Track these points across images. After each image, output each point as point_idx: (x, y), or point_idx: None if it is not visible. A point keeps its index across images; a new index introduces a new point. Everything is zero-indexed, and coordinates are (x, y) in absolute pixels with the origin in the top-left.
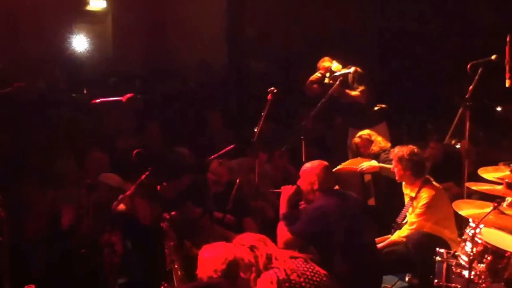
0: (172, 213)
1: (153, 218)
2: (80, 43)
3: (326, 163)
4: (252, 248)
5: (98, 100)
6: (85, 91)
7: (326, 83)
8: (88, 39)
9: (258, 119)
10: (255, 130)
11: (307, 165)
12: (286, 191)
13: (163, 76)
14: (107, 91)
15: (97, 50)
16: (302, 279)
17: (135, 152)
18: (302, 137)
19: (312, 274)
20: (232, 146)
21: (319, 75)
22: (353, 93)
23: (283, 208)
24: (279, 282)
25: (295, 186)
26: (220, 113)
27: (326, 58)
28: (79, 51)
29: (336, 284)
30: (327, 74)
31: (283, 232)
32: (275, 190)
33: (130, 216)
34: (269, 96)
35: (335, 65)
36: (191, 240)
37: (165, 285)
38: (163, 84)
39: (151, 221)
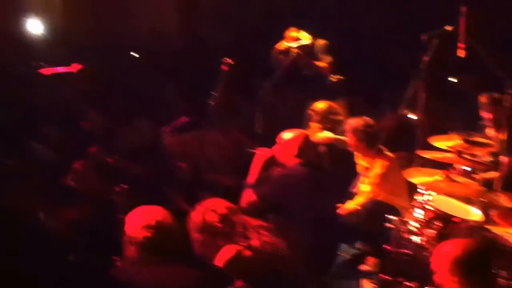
0: (123, 186)
1: (103, 193)
2: (28, 14)
3: (307, 133)
4: (224, 216)
5: (47, 71)
6: (33, 64)
7: (292, 53)
8: (37, 10)
9: (214, 90)
10: (211, 102)
11: (289, 132)
12: (262, 153)
13: (115, 47)
14: (57, 63)
15: (46, 21)
16: (269, 252)
17: (84, 123)
18: (258, 108)
19: (276, 246)
20: (185, 119)
21: (286, 44)
22: (321, 64)
23: (254, 170)
24: (242, 255)
25: (271, 150)
26: (173, 84)
27: (293, 28)
28: (27, 22)
29: (295, 255)
30: (294, 45)
31: (249, 192)
32: (250, 150)
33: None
34: (224, 67)
35: (303, 35)
36: None
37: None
38: (116, 55)
39: (100, 196)
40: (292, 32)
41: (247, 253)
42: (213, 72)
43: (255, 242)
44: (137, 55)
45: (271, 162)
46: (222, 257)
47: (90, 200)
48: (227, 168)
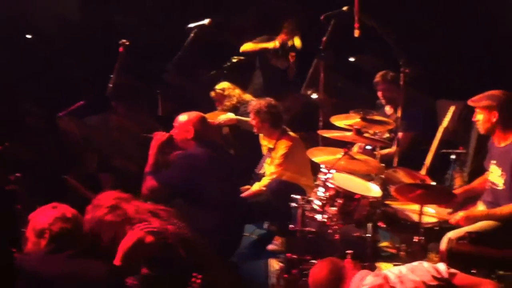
0: (17, 174)
1: None
2: None
3: (203, 114)
4: (113, 207)
5: None
6: None
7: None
8: None
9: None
10: (109, 85)
11: (184, 115)
12: (158, 137)
13: (8, 29)
14: None
15: None
16: (167, 235)
17: None
18: (158, 91)
19: (179, 230)
20: (82, 103)
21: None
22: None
23: (152, 155)
24: (144, 241)
25: (168, 133)
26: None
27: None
28: None
29: (200, 237)
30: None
31: (149, 178)
32: (147, 135)
33: None
34: (121, 49)
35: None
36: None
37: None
38: (9, 38)
39: None
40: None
41: (149, 238)
42: (113, 55)
43: (155, 228)
44: (31, 37)
45: (169, 146)
46: (123, 244)
47: None
48: (131, 153)
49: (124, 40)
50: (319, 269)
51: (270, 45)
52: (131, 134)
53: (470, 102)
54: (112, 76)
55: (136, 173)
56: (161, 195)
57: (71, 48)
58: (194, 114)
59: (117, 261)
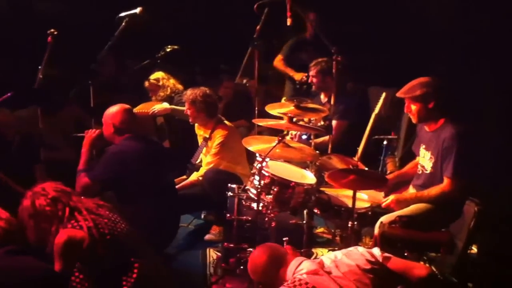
0: None
1: None
2: None
3: (127, 106)
4: (54, 199)
5: None
6: None
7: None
8: None
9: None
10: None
11: (109, 109)
12: (89, 134)
13: None
14: None
15: None
16: (105, 231)
17: None
18: (90, 82)
19: (114, 224)
20: (9, 94)
21: None
22: None
23: (84, 152)
24: (75, 238)
25: (98, 130)
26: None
27: None
28: None
29: (137, 231)
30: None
31: (82, 176)
32: (78, 134)
33: None
34: (49, 39)
35: None
36: None
37: None
38: None
39: None
40: None
41: (80, 234)
42: (42, 45)
43: (89, 223)
44: None
45: (100, 142)
46: (56, 244)
47: None
48: (61, 146)
49: (52, 30)
50: (258, 254)
51: (297, 76)
52: (61, 128)
53: (401, 94)
54: (40, 67)
55: (66, 167)
56: (93, 192)
57: None
58: (116, 108)
59: (55, 263)
